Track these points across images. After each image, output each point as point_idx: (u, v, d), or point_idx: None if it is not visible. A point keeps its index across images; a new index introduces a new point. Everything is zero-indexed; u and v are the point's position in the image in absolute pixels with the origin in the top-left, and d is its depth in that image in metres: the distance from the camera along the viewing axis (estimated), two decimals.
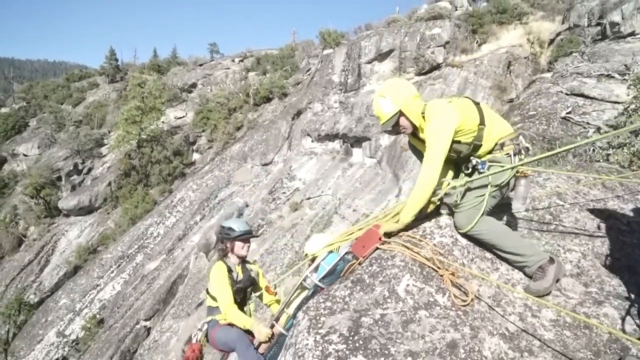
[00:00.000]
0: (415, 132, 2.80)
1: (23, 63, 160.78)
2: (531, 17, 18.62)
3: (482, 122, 2.65)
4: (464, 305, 2.26)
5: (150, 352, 14.78)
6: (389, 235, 2.70)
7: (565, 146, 6.69)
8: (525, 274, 2.58)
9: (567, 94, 9.29)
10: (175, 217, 20.17)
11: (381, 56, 19.67)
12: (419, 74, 18.46)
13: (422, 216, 2.86)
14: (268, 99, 26.56)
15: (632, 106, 6.57)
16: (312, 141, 20.56)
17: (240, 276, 3.91)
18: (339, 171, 18.57)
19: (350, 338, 1.94)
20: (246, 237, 3.93)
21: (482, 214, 2.60)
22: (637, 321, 2.22)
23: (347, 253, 3.07)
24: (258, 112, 26.12)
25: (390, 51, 19.45)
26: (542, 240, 2.97)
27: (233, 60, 34.96)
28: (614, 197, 3.46)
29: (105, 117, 33.09)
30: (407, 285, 2.32)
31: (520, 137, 2.73)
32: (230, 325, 3.66)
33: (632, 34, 11.77)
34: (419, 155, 2.95)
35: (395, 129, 2.76)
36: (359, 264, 2.65)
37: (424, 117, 2.69)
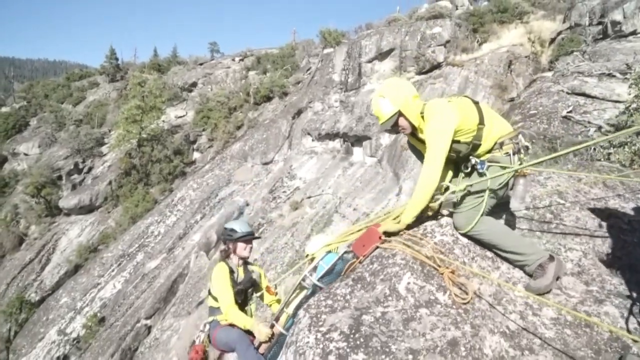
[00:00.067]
0: (414, 132, 2.80)
1: (23, 62, 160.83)
2: (532, 16, 18.60)
3: (481, 122, 2.65)
4: (465, 304, 2.26)
5: (151, 350, 14.80)
6: (389, 235, 2.70)
7: (565, 145, 6.69)
8: (525, 272, 2.58)
9: (568, 93, 9.27)
10: (176, 216, 20.18)
11: (382, 55, 19.66)
12: (420, 73, 18.45)
13: (423, 218, 2.87)
14: (268, 98, 26.56)
15: (634, 105, 6.57)
16: (313, 140, 20.56)
17: (242, 277, 3.94)
18: (339, 170, 18.57)
19: (351, 336, 1.95)
20: (248, 238, 3.95)
21: (481, 215, 2.60)
22: (639, 320, 2.22)
23: (346, 252, 3.07)
24: (258, 111, 26.12)
25: (391, 50, 19.44)
26: (543, 239, 2.97)
27: (233, 60, 34.95)
28: (615, 196, 3.46)
29: (105, 116, 33.10)
30: (408, 283, 2.32)
31: (520, 136, 2.72)
32: (231, 325, 3.68)
33: (634, 32, 11.75)
34: (419, 155, 2.94)
35: (394, 128, 2.75)
36: (360, 262, 2.66)
37: (422, 117, 2.68)
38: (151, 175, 25.06)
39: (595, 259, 2.73)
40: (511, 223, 3.10)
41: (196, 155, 27.19)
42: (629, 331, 2.16)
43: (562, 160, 4.51)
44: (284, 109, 23.78)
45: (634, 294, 2.39)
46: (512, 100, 14.17)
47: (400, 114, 2.66)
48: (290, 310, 3.56)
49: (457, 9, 21.26)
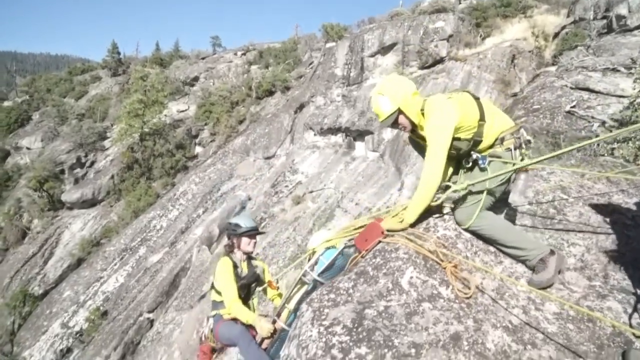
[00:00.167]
0: (414, 129, 2.79)
1: (25, 56, 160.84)
2: (536, 10, 18.48)
3: (482, 118, 2.62)
4: (467, 298, 2.26)
5: (153, 343, 14.89)
6: (391, 231, 2.69)
7: (569, 140, 6.66)
8: (527, 267, 2.58)
9: (571, 88, 9.23)
10: (178, 210, 20.23)
11: (384, 49, 19.58)
12: (422, 67, 18.38)
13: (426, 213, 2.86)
14: (270, 93, 26.53)
15: (638, 100, 6.53)
16: (315, 135, 20.54)
17: (245, 272, 3.96)
18: (341, 165, 18.56)
19: (354, 330, 1.95)
20: (252, 233, 3.95)
21: (481, 210, 2.59)
22: None
23: (346, 247, 3.07)
24: (260, 106, 26.09)
25: (394, 44, 19.36)
26: (546, 234, 2.96)
27: (235, 54, 34.87)
28: (618, 191, 3.44)
29: (107, 111, 33.12)
30: (411, 277, 2.32)
31: (522, 130, 2.70)
32: (234, 320, 3.69)
33: (639, 27, 11.66)
34: (420, 150, 2.93)
35: (394, 125, 2.74)
36: (362, 257, 2.66)
37: (423, 113, 2.66)
38: (153, 169, 25.10)
39: (599, 254, 2.73)
40: (512, 218, 3.09)
41: (198, 149, 27.21)
42: (631, 326, 2.16)
43: (566, 155, 4.48)
44: (286, 103, 23.74)
45: (638, 290, 2.39)
46: (515, 95, 14.11)
47: (400, 111, 2.64)
48: (291, 305, 3.57)
49: (460, 3, 21.16)
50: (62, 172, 27.19)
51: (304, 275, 3.28)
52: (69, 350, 16.64)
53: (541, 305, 2.32)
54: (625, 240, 2.81)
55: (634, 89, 6.91)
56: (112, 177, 25.18)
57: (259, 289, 4.19)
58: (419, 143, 2.92)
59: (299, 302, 3.23)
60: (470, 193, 2.63)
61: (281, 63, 29.50)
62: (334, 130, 19.66)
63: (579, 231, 2.96)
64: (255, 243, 4.02)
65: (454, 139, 2.59)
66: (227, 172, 21.08)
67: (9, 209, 25.46)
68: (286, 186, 19.05)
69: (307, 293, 3.12)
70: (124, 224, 21.81)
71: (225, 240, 4.08)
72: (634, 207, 3.18)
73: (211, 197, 20.04)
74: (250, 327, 3.66)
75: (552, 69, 12.57)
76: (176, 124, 28.06)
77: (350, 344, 1.87)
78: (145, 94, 25.78)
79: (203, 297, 14.92)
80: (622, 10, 12.17)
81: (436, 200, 2.70)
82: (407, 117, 2.67)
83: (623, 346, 2.05)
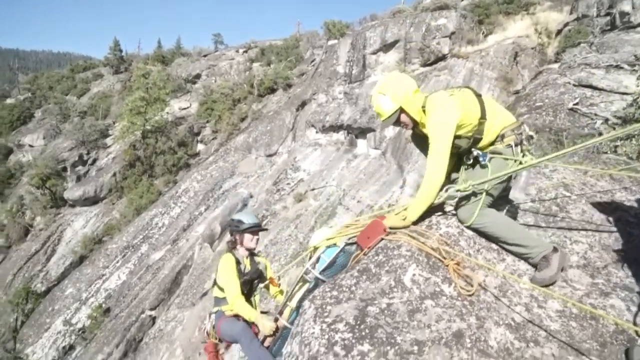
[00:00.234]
0: (415, 127, 2.78)
1: (28, 54, 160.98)
2: (538, 7, 18.40)
3: (483, 116, 2.61)
4: (470, 296, 2.25)
5: (155, 341, 14.94)
6: (394, 229, 2.69)
7: (572, 137, 6.64)
8: (530, 264, 2.57)
9: (574, 85, 9.19)
10: (180, 207, 20.26)
11: (386, 47, 19.53)
12: (424, 64, 18.33)
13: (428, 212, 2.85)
14: (272, 90, 26.51)
15: None
16: (317, 132, 20.52)
17: (248, 268, 3.96)
18: (343, 162, 18.55)
19: (357, 327, 1.95)
20: (255, 229, 3.96)
21: (482, 207, 2.58)
22: None
23: (348, 245, 3.06)
24: (262, 103, 26.09)
25: (396, 42, 19.31)
26: (549, 231, 2.95)
27: (237, 51, 34.84)
28: (621, 188, 3.43)
29: (109, 108, 33.17)
30: (413, 275, 2.32)
31: (524, 126, 2.69)
32: (236, 317, 3.70)
33: None
34: (422, 148, 2.92)
35: (396, 124, 2.73)
36: (364, 254, 2.65)
37: (424, 110, 2.65)
38: (155, 167, 25.14)
39: (602, 251, 2.72)
40: (515, 215, 3.09)
41: (200, 147, 27.24)
42: (635, 324, 2.15)
43: (568, 153, 4.47)
44: (287, 100, 23.73)
45: None
46: (517, 92, 14.06)
47: (401, 110, 2.63)
48: (293, 303, 3.57)
49: (462, 0, 21.06)
50: (65, 169, 27.25)
51: (305, 273, 3.28)
52: (71, 347, 16.72)
53: (544, 302, 2.32)
54: (628, 238, 2.80)
55: (638, 86, 6.88)
56: (114, 174, 25.23)
57: (261, 285, 4.19)
58: (421, 141, 2.91)
59: (301, 300, 3.23)
60: (474, 193, 2.63)
61: (283, 60, 29.47)
62: (335, 128, 19.65)
63: (582, 229, 2.95)
64: (257, 239, 4.03)
65: (455, 136, 2.58)
66: (229, 169, 21.10)
67: (12, 206, 25.55)
68: (288, 184, 19.06)
69: (309, 291, 3.12)
70: (126, 222, 21.86)
71: (227, 238, 4.08)
72: (636, 205, 3.18)
73: (213, 194, 20.07)
74: (252, 325, 3.66)
75: (555, 66, 12.53)
76: (178, 122, 28.08)
77: (353, 341, 1.87)
78: (147, 92, 25.81)
79: (205, 294, 14.96)
80: (626, 6, 12.11)
81: (439, 198, 2.70)
82: (408, 115, 2.67)
83: (626, 344, 2.05)
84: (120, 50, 40.71)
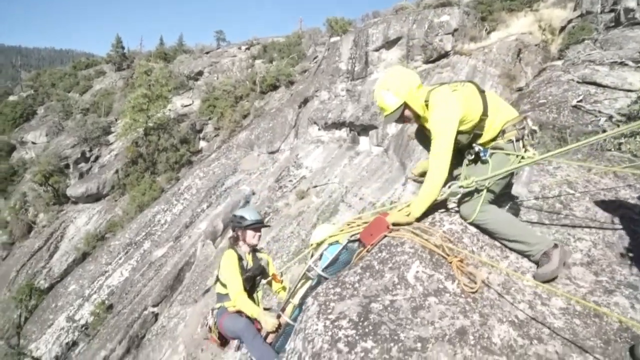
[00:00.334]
0: (418, 121, 2.77)
1: (30, 51, 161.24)
2: (542, 4, 18.30)
3: (485, 113, 2.60)
4: (473, 293, 2.25)
5: (158, 337, 15.00)
6: (397, 226, 2.68)
7: (575, 134, 6.60)
8: (531, 261, 2.57)
9: (578, 82, 9.13)
10: (182, 204, 20.30)
11: (389, 44, 19.48)
12: (427, 62, 18.28)
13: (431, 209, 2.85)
14: (275, 87, 26.50)
15: None
16: (319, 129, 20.51)
17: (251, 265, 3.96)
18: (345, 159, 18.54)
19: (360, 324, 1.95)
20: (257, 226, 3.96)
21: (483, 203, 2.58)
22: None
23: (350, 242, 3.06)
24: (265, 100, 26.07)
25: (398, 39, 19.25)
26: (552, 228, 2.94)
27: (239, 48, 34.80)
28: (625, 186, 3.42)
29: (112, 105, 33.21)
30: (417, 271, 2.32)
31: (527, 120, 2.67)
32: (239, 313, 3.70)
33: None
34: (425, 145, 2.91)
35: (399, 119, 2.71)
36: (367, 251, 2.65)
37: (426, 105, 2.64)
38: (158, 164, 25.18)
39: (605, 249, 2.71)
40: (518, 212, 3.08)
41: (202, 144, 27.26)
42: (639, 322, 2.14)
43: (572, 149, 4.45)
44: (290, 97, 23.71)
45: None
46: (520, 89, 14.01)
47: (405, 105, 2.62)
48: (296, 300, 3.57)
49: None
50: (67, 166, 27.33)
51: (308, 270, 3.28)
52: (74, 343, 16.81)
53: (547, 300, 2.31)
54: (632, 236, 2.79)
55: None
56: (117, 171, 25.29)
57: (264, 282, 4.20)
58: (423, 137, 2.90)
59: (303, 297, 3.23)
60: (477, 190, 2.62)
61: (285, 57, 29.42)
62: (338, 125, 19.62)
63: (586, 226, 2.94)
64: (260, 236, 4.03)
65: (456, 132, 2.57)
66: (231, 166, 21.12)
67: (15, 203, 25.66)
68: (290, 181, 19.06)
69: (312, 288, 3.12)
70: (128, 219, 21.93)
71: (229, 234, 4.09)
72: None
73: (215, 191, 20.09)
74: (254, 321, 3.67)
75: (559, 63, 12.47)
76: (180, 119, 28.10)
77: (356, 337, 1.87)
78: (149, 89, 25.83)
79: (207, 291, 15.00)
80: (631, 3, 12.03)
81: (442, 195, 2.69)
82: (412, 110, 2.65)
83: (630, 341, 2.04)
84: (123, 48, 40.71)
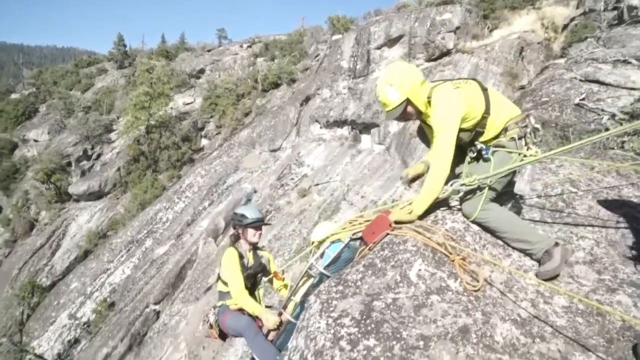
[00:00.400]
0: (419, 117, 2.76)
1: (32, 49, 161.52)
2: (544, 1, 18.19)
3: (487, 111, 2.59)
4: (476, 291, 2.25)
5: (159, 335, 15.03)
6: (399, 223, 2.68)
7: (578, 133, 6.58)
8: (534, 260, 2.56)
9: (581, 80, 9.10)
10: (184, 202, 20.31)
11: (391, 42, 19.42)
12: (429, 60, 18.23)
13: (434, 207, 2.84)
14: (276, 85, 26.46)
15: None
16: (321, 127, 20.49)
17: (251, 262, 3.96)
18: (347, 158, 18.53)
19: (362, 322, 1.95)
20: (258, 224, 3.96)
21: (485, 202, 2.57)
22: None
23: (352, 240, 3.06)
24: (266, 98, 26.05)
25: (400, 37, 19.19)
26: (555, 227, 2.94)
27: (241, 46, 34.78)
28: (628, 184, 3.41)
29: (113, 103, 33.23)
30: (419, 270, 2.32)
31: (529, 118, 2.66)
32: (240, 311, 3.71)
33: None
34: (427, 142, 2.91)
35: (401, 116, 2.69)
36: (369, 249, 2.65)
37: (429, 101, 2.63)
38: (159, 161, 25.19)
39: (608, 247, 2.70)
40: (521, 210, 3.07)
41: (204, 142, 27.25)
42: None
43: (575, 147, 4.44)
44: (292, 95, 23.69)
45: None
46: (522, 87, 13.97)
47: (408, 102, 2.60)
48: (297, 298, 3.58)
49: None
50: (69, 164, 27.38)
51: (309, 268, 3.28)
52: (76, 340, 16.87)
53: (550, 298, 2.31)
54: (635, 234, 2.79)
55: None
56: (119, 169, 25.32)
57: (265, 279, 4.21)
58: (425, 134, 2.89)
59: (305, 295, 3.23)
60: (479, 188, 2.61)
61: (287, 55, 29.38)
62: (339, 123, 19.60)
63: (588, 225, 2.94)
64: (260, 234, 4.03)
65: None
66: (232, 164, 21.12)
67: (17, 200, 25.74)
68: (292, 179, 19.06)
69: (313, 286, 3.12)
70: (130, 216, 21.96)
71: (231, 232, 4.09)
72: None
73: (217, 189, 20.10)
74: (256, 319, 3.68)
75: (561, 61, 12.41)
76: (182, 117, 28.11)
77: (359, 335, 1.87)
78: (151, 87, 25.82)
79: (209, 289, 15.03)
80: (634, 0, 11.96)
81: (443, 193, 2.68)
82: (414, 107, 2.64)
83: (633, 340, 2.04)
84: (124, 45, 40.71)
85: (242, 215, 3.92)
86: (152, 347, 14.75)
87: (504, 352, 1.92)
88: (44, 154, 27.87)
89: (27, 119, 34.67)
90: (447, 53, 17.88)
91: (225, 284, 3.81)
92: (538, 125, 2.66)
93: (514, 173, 2.70)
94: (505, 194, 2.83)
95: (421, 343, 1.87)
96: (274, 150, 21.08)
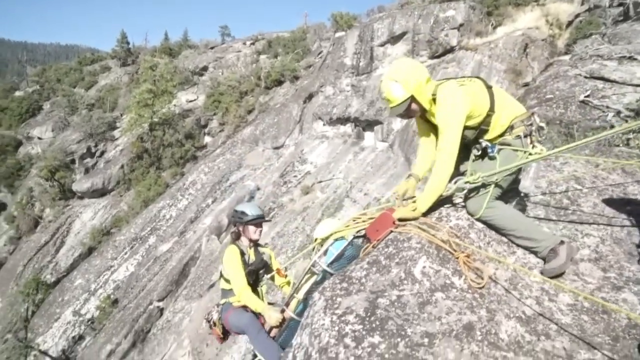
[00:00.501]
0: (423, 115, 2.75)
1: (36, 47, 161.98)
2: None
3: (491, 109, 2.58)
4: (480, 288, 2.24)
5: (163, 332, 15.10)
6: (403, 220, 2.67)
7: (582, 130, 6.55)
8: (539, 258, 2.55)
9: (585, 77, 9.04)
10: (187, 199, 20.36)
11: (394, 39, 19.36)
12: (432, 57, 18.16)
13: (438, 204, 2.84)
14: (279, 82, 26.44)
15: None
16: (324, 125, 20.48)
17: (253, 259, 3.96)
18: (350, 155, 18.51)
19: (367, 319, 1.95)
20: (259, 221, 3.95)
21: (490, 200, 2.56)
22: None
23: (355, 237, 3.05)
24: (269, 96, 26.03)
25: (404, 34, 19.13)
26: (560, 224, 2.92)
27: (244, 43, 34.76)
28: (634, 182, 3.39)
29: (117, 101, 33.31)
30: (424, 267, 2.31)
31: (534, 117, 2.65)
32: (243, 308, 3.72)
33: None
34: (422, 134, 2.91)
35: (405, 113, 2.68)
36: (373, 247, 2.64)
37: (434, 99, 2.62)
38: (163, 159, 25.25)
39: (613, 245, 2.69)
40: (526, 208, 3.06)
41: (207, 139, 27.28)
42: None
43: (580, 145, 4.42)
44: (295, 93, 23.66)
45: None
46: (527, 85, 13.90)
47: (412, 99, 2.59)
48: (300, 295, 3.58)
49: None
50: (73, 161, 27.49)
51: (313, 265, 3.28)
52: (80, 337, 16.97)
53: (555, 296, 2.30)
54: None
55: None
56: (122, 166, 25.40)
57: (267, 276, 4.21)
58: (426, 129, 2.88)
59: (308, 292, 3.23)
60: (484, 185, 2.60)
61: (290, 52, 29.35)
62: (343, 120, 19.58)
63: (593, 222, 2.92)
64: (261, 231, 4.02)
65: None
66: (236, 162, 21.14)
67: (22, 198, 25.87)
68: (295, 176, 19.06)
69: (316, 283, 3.12)
70: (133, 214, 22.03)
71: (232, 229, 4.09)
72: None
73: (220, 187, 20.13)
74: (259, 316, 3.68)
75: (566, 58, 12.35)
76: (185, 114, 28.15)
77: (363, 332, 1.87)
78: (154, 84, 25.87)
79: (212, 286, 15.07)
80: None
81: (448, 190, 2.67)
82: (419, 104, 2.63)
83: (639, 338, 2.03)
84: (128, 43, 40.83)
85: (242, 213, 3.92)
86: (155, 344, 14.82)
87: (508, 350, 1.92)
88: (48, 152, 27.99)
89: (31, 117, 34.80)
90: (451, 50, 17.80)
91: (227, 281, 3.82)
92: (542, 124, 2.65)
93: (519, 171, 2.69)
94: (510, 192, 2.82)
95: (426, 340, 1.86)
96: (277, 148, 21.08)
